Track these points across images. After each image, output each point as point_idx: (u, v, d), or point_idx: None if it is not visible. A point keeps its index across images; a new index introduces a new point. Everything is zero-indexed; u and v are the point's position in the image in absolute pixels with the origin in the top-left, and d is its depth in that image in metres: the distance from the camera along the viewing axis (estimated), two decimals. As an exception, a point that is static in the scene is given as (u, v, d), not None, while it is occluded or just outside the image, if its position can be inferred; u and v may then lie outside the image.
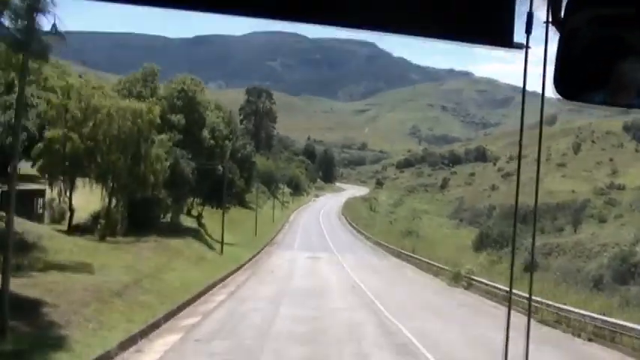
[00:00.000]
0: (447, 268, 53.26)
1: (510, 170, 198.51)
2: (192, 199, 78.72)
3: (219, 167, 69.27)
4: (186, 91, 67.83)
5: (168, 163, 53.99)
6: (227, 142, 77.01)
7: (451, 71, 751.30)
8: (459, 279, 48.58)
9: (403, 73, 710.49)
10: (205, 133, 69.79)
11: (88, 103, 48.74)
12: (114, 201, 51.01)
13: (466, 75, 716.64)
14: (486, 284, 43.45)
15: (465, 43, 2.77)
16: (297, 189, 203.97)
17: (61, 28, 25.62)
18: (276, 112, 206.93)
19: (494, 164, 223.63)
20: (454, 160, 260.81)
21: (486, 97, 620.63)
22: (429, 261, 60.89)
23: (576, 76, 2.73)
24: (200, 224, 76.75)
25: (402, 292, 43.06)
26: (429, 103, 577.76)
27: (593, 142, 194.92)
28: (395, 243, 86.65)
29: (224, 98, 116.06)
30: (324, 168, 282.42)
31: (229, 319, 28.80)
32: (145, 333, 24.19)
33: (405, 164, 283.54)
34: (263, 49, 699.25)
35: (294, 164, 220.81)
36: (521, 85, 3.22)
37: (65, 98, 48.97)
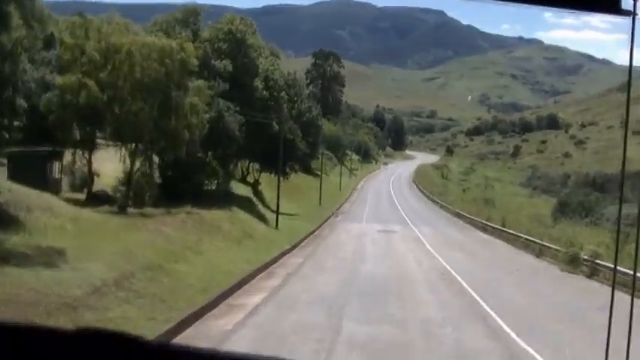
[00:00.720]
0: (555, 246, 42.51)
1: (583, 137, 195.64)
2: (247, 162, 69.37)
3: (275, 124, 58.32)
4: (233, 33, 56.90)
5: (207, 116, 43.39)
6: (284, 93, 66.40)
7: (520, 39, 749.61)
8: (577, 263, 37.44)
9: (472, 41, 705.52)
10: (258, 82, 58.91)
11: (107, 42, 39.15)
12: (139, 163, 41.29)
13: (535, 42, 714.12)
14: (623, 272, 31.26)
15: (568, 9, 2.62)
16: (365, 156, 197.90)
17: None
18: (344, 77, 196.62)
19: (567, 131, 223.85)
20: (525, 128, 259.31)
21: (556, 64, 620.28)
22: (529, 237, 50.01)
23: None
24: (256, 192, 67.49)
25: (510, 284, 31.81)
26: (498, 71, 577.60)
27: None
28: (475, 213, 76.62)
29: (292, 67, 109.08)
30: (393, 135, 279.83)
31: (258, 349, 15.87)
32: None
33: (475, 132, 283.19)
34: (331, 19, 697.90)
35: (362, 131, 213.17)
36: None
37: (82, 38, 39.65)
